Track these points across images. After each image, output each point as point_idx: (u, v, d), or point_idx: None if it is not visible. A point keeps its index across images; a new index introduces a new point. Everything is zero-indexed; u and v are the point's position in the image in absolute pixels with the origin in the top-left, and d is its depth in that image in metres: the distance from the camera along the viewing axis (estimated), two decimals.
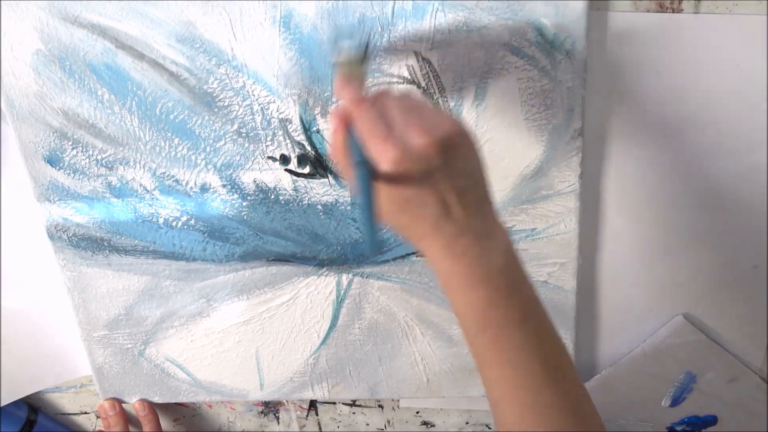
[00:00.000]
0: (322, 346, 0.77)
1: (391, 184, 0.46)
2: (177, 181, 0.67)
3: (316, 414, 0.87)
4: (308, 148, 0.66)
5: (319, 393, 0.80)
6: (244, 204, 0.69)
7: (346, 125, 0.48)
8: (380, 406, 0.86)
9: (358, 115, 0.47)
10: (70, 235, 0.70)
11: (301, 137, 0.65)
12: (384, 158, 0.45)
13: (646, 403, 0.78)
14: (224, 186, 0.68)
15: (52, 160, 0.66)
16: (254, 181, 0.67)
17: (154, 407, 0.81)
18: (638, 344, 0.76)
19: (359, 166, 0.46)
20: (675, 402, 0.76)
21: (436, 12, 0.60)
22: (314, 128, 0.65)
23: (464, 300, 0.50)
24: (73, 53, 0.62)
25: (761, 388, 0.73)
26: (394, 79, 0.63)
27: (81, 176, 0.67)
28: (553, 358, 0.51)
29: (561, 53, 0.62)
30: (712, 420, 0.78)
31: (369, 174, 0.46)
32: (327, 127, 0.65)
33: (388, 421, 0.87)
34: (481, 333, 0.50)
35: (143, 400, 0.80)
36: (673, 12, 0.63)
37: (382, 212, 0.48)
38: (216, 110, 0.64)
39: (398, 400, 0.85)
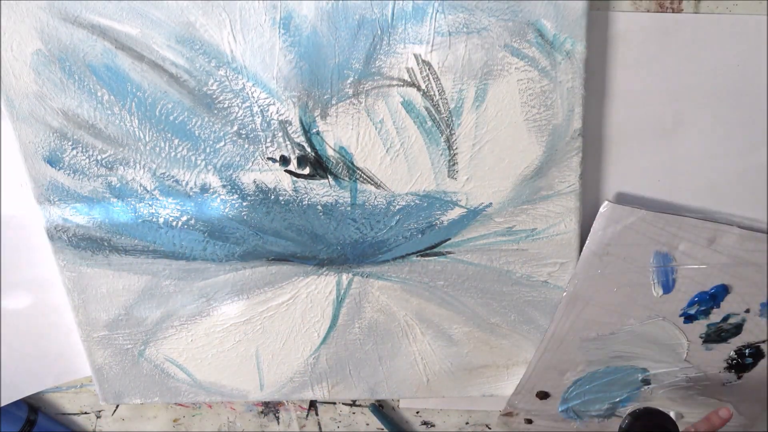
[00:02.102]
0: (322, 345, 0.77)
1: None
2: (177, 181, 0.67)
3: (316, 414, 0.87)
4: (308, 149, 0.66)
5: (319, 393, 0.80)
6: (244, 204, 0.69)
7: None
8: (380, 406, 0.86)
9: None
10: (70, 235, 0.70)
11: (300, 139, 0.65)
12: None
13: (636, 302, 0.69)
14: (224, 186, 0.68)
15: (52, 161, 0.66)
16: (254, 182, 0.67)
17: None
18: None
19: None
20: (667, 287, 0.69)
21: (436, 13, 0.60)
22: (314, 130, 0.65)
23: None
24: (73, 54, 0.62)
25: (748, 236, 0.65)
26: (394, 82, 0.63)
27: (81, 176, 0.67)
28: None
29: (561, 54, 0.62)
30: (722, 289, 0.69)
31: None
32: (327, 129, 0.65)
33: None
34: None
35: None
36: (673, 12, 0.63)
37: None
38: (216, 112, 0.64)
39: (398, 400, 0.85)
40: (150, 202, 0.68)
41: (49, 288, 0.74)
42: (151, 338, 0.76)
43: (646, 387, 0.72)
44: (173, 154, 0.66)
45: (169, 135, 0.65)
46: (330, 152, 0.66)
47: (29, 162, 0.66)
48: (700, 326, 0.68)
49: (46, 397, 0.85)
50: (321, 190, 0.68)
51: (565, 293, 0.67)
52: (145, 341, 0.76)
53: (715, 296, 0.67)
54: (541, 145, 0.65)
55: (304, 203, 0.68)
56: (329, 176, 0.67)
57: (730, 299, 0.66)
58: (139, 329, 0.75)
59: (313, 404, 0.87)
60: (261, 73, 0.63)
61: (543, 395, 0.73)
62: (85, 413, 0.87)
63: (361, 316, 0.75)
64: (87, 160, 0.66)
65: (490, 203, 0.68)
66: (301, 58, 0.62)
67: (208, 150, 0.66)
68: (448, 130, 0.65)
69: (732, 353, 0.69)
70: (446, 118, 0.64)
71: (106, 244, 0.71)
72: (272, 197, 0.68)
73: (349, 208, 0.69)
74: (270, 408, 0.87)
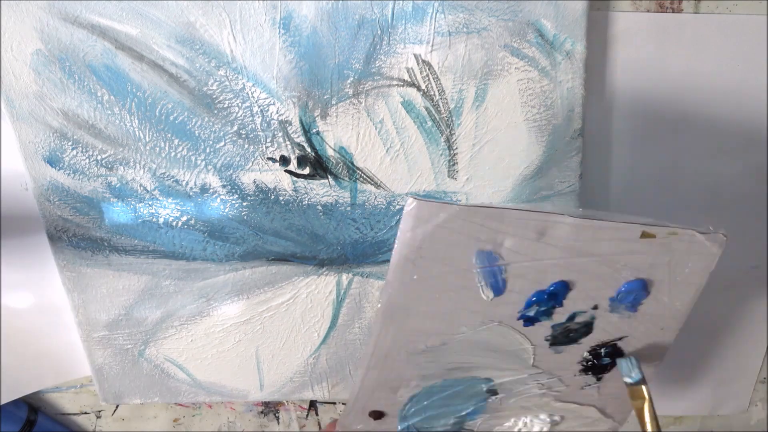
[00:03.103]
0: (322, 345, 0.77)
1: None
2: (177, 181, 0.67)
3: (316, 414, 0.87)
4: (308, 149, 0.66)
5: (319, 393, 0.80)
6: (244, 204, 0.69)
7: None
8: None
9: None
10: (70, 235, 0.70)
11: (300, 139, 0.65)
12: None
13: (465, 308, 0.58)
14: (224, 186, 0.68)
15: (52, 161, 0.66)
16: (254, 182, 0.67)
17: None
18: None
19: None
20: (497, 289, 0.57)
21: (436, 13, 0.60)
22: (314, 130, 0.65)
23: None
24: (73, 54, 0.62)
25: (581, 225, 0.54)
26: (394, 82, 0.63)
27: (81, 176, 0.67)
28: None
29: (561, 54, 0.62)
30: (562, 286, 0.59)
31: None
32: (327, 129, 0.65)
33: None
34: None
35: None
36: (673, 12, 0.63)
37: None
38: (216, 112, 0.64)
39: None
40: (150, 202, 0.69)
41: (49, 288, 0.74)
42: (151, 338, 0.76)
43: (493, 397, 0.64)
44: (173, 154, 0.66)
45: (169, 135, 0.65)
46: (330, 152, 0.66)
47: (29, 162, 0.66)
48: (544, 328, 0.59)
49: (46, 397, 0.85)
50: (321, 190, 0.68)
51: (379, 305, 0.57)
52: (145, 341, 0.76)
53: (555, 294, 0.58)
54: (541, 145, 0.65)
55: (304, 203, 0.68)
56: (329, 176, 0.67)
57: (574, 296, 0.57)
58: (139, 329, 0.75)
59: (313, 404, 0.87)
60: (261, 73, 0.63)
61: (377, 415, 0.64)
62: (85, 413, 0.87)
63: (361, 316, 0.75)
64: (87, 160, 0.66)
65: (491, 203, 0.68)
66: (301, 58, 0.62)
67: (208, 150, 0.66)
68: (448, 130, 0.65)
69: (586, 354, 0.61)
70: (446, 118, 0.64)
71: (106, 244, 0.71)
72: (272, 197, 0.68)
73: (349, 208, 0.69)
74: (270, 408, 0.87)
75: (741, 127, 0.68)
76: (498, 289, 0.55)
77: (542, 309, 0.57)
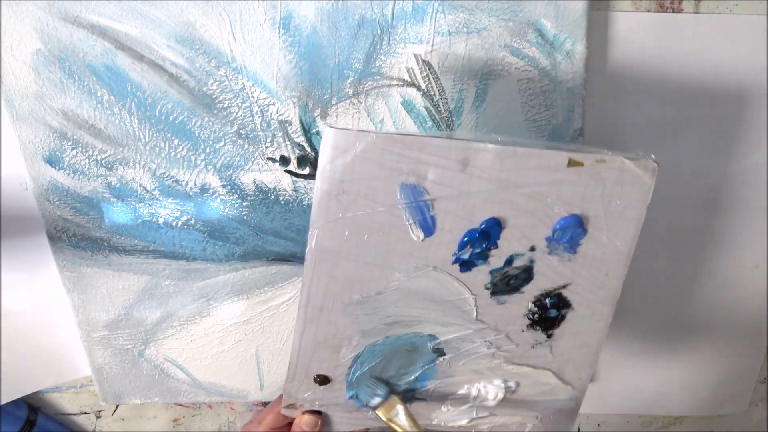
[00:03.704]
0: None
1: None
2: (177, 181, 0.67)
3: None
4: (308, 149, 0.66)
5: None
6: (244, 204, 0.69)
7: None
8: None
9: None
10: (70, 235, 0.70)
11: (300, 139, 0.65)
12: None
13: (396, 250, 0.55)
14: (224, 186, 0.68)
15: (52, 161, 0.66)
16: (254, 182, 0.67)
17: None
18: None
19: None
20: (427, 229, 0.54)
21: (436, 13, 0.60)
22: (314, 130, 0.65)
23: None
24: (73, 54, 0.62)
25: (505, 152, 0.50)
26: (394, 82, 0.63)
27: (81, 176, 0.67)
28: None
29: (561, 54, 0.62)
30: (494, 223, 0.55)
31: None
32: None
33: None
34: None
35: None
36: (673, 12, 0.63)
37: None
38: (216, 112, 0.64)
39: None
40: (150, 202, 0.68)
41: (49, 288, 0.74)
42: (150, 338, 0.76)
43: (441, 359, 0.60)
44: (173, 154, 0.66)
45: (169, 135, 0.65)
46: None
47: (29, 162, 0.66)
48: (483, 274, 0.54)
49: (46, 397, 0.85)
50: None
51: (307, 249, 0.53)
52: (145, 341, 0.76)
53: (487, 233, 0.53)
54: None
55: (304, 203, 0.68)
56: None
57: (507, 235, 0.53)
58: (139, 329, 0.75)
59: None
60: (261, 73, 0.63)
61: (322, 380, 0.60)
62: (85, 413, 0.87)
63: None
64: (87, 160, 0.66)
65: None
66: (301, 58, 0.62)
67: (207, 150, 0.66)
68: (449, 130, 0.65)
69: (530, 305, 0.57)
70: (446, 118, 0.64)
71: (105, 244, 0.71)
72: (272, 197, 0.68)
73: None
74: None
75: (741, 127, 0.68)
76: (428, 227, 0.53)
77: (477, 251, 0.54)
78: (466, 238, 0.53)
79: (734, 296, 0.76)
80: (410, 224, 0.52)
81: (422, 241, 0.53)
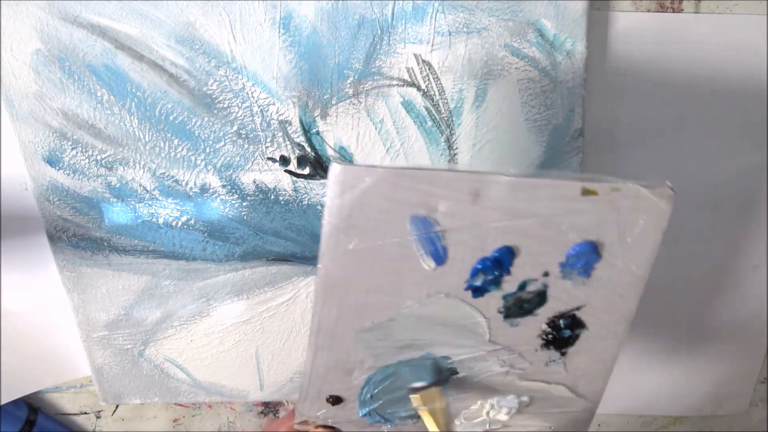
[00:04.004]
0: None
1: None
2: (177, 181, 0.67)
3: None
4: (308, 149, 0.66)
5: None
6: (244, 204, 0.69)
7: None
8: None
9: None
10: (70, 235, 0.70)
11: (300, 139, 0.65)
12: None
13: (407, 280, 0.55)
14: (224, 186, 0.68)
15: (52, 161, 0.66)
16: (254, 182, 0.67)
17: None
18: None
19: None
20: (438, 258, 0.54)
21: (436, 13, 0.60)
22: (314, 130, 0.65)
23: None
24: (73, 53, 0.62)
25: (517, 184, 0.50)
26: (394, 82, 0.63)
27: (81, 176, 0.67)
28: None
29: (561, 54, 0.62)
30: (506, 251, 0.55)
31: None
32: (327, 129, 0.65)
33: None
34: None
35: None
36: (673, 12, 0.63)
37: None
38: (215, 112, 0.64)
39: None
40: (150, 202, 0.68)
41: (49, 288, 0.74)
42: (150, 338, 0.76)
43: (454, 377, 0.60)
44: (173, 154, 0.66)
45: (169, 135, 0.65)
46: (330, 152, 0.66)
47: (29, 162, 0.66)
48: (495, 299, 0.55)
49: (46, 397, 0.85)
50: (321, 190, 0.68)
51: (316, 279, 0.54)
52: (145, 341, 0.76)
53: (500, 261, 0.53)
54: (542, 145, 0.65)
55: (304, 203, 0.68)
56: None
57: (521, 262, 0.53)
58: (139, 329, 0.75)
59: None
60: (261, 73, 0.63)
61: (335, 400, 0.61)
62: (85, 413, 0.87)
63: None
64: (87, 160, 0.66)
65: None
66: (301, 58, 0.62)
67: (207, 150, 0.66)
68: (449, 130, 0.65)
69: (544, 326, 0.57)
70: (446, 118, 0.64)
71: (105, 244, 0.71)
72: (272, 197, 0.68)
73: None
74: (270, 408, 0.87)
75: (741, 127, 0.68)
76: (439, 257, 0.52)
77: (489, 278, 0.53)
78: (478, 267, 0.53)
79: (734, 296, 0.76)
80: (421, 254, 0.52)
81: (434, 269, 0.52)
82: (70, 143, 0.66)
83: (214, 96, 0.64)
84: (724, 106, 0.67)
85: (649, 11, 0.63)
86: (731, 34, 0.64)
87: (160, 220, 0.69)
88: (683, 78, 0.65)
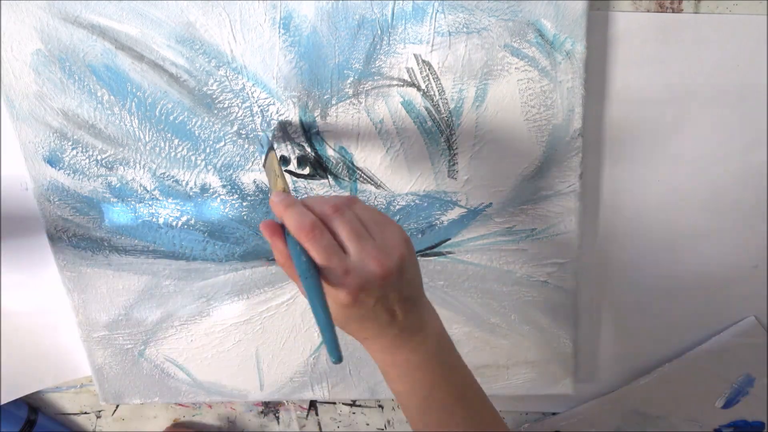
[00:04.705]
0: (322, 345, 0.77)
1: (344, 301, 0.48)
2: (177, 181, 0.67)
3: (316, 414, 0.87)
4: (308, 149, 0.66)
5: (319, 393, 0.80)
6: (244, 204, 0.69)
7: (283, 236, 0.49)
8: (380, 406, 0.86)
9: (310, 239, 0.47)
10: (70, 235, 0.70)
11: (300, 139, 0.65)
12: (343, 290, 0.47)
13: (700, 402, 0.77)
14: (224, 186, 0.68)
15: (52, 161, 0.66)
16: (254, 182, 0.67)
17: None
18: (704, 340, 0.77)
19: (307, 281, 0.47)
20: (728, 404, 0.75)
21: (436, 13, 0.60)
22: (314, 130, 0.65)
23: (405, 386, 0.54)
24: (73, 54, 0.62)
25: None
26: (394, 82, 0.63)
27: (81, 176, 0.67)
28: (492, 425, 0.55)
29: (561, 54, 0.62)
30: (759, 426, 0.77)
31: (318, 288, 0.47)
32: (327, 129, 0.65)
33: (388, 421, 0.87)
34: (426, 414, 0.54)
35: None
36: (673, 12, 0.63)
37: (339, 320, 0.50)
38: (216, 112, 0.64)
39: None
40: (150, 202, 0.69)
41: (49, 288, 0.74)
42: (151, 338, 0.76)
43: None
44: (173, 154, 0.66)
45: (169, 135, 0.65)
46: (330, 152, 0.66)
47: (29, 162, 0.66)
48: None
49: (46, 397, 0.85)
50: (321, 190, 0.68)
51: (661, 367, 0.70)
52: (145, 341, 0.76)
53: (753, 429, 0.73)
54: (541, 145, 0.65)
55: None
56: (329, 176, 0.67)
57: None
58: (139, 329, 0.75)
59: (313, 404, 0.87)
60: (261, 73, 0.63)
61: None
62: (85, 413, 0.87)
63: None
64: (87, 160, 0.66)
65: (490, 203, 0.68)
66: (301, 58, 0.62)
67: (208, 150, 0.66)
68: (448, 130, 0.65)
69: None
70: (446, 118, 0.64)
71: (106, 244, 0.71)
72: None
73: None
74: (270, 408, 0.87)
75: (741, 127, 0.68)
76: None
77: None
78: None
79: (734, 296, 0.76)
80: None
81: None
82: (70, 143, 0.66)
83: (214, 96, 0.64)
84: (724, 106, 0.67)
85: (649, 11, 0.63)
86: (731, 34, 0.64)
87: (161, 220, 0.69)
88: (683, 78, 0.65)
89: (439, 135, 0.65)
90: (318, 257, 0.47)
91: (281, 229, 0.49)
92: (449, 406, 0.53)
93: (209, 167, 0.67)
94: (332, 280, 0.47)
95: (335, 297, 0.47)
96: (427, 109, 0.64)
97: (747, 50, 0.64)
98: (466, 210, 0.69)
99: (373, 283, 0.47)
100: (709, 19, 0.63)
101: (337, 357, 0.45)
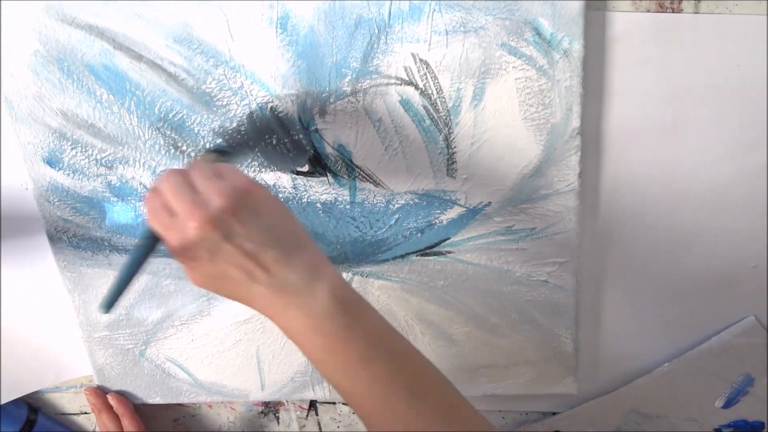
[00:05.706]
0: None
1: (184, 262, 0.50)
2: None
3: (316, 414, 0.87)
4: (307, 148, 0.66)
5: (319, 393, 0.80)
6: None
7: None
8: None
9: (144, 205, 0.51)
10: (70, 235, 0.70)
11: (299, 137, 0.65)
12: (170, 244, 0.49)
13: (699, 402, 0.77)
14: None
15: (52, 161, 0.67)
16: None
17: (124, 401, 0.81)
18: (704, 340, 0.77)
19: (142, 240, 0.52)
20: (728, 404, 0.76)
21: (432, 13, 0.60)
22: (312, 128, 0.65)
23: (305, 349, 0.52)
24: (72, 54, 0.62)
25: None
26: (392, 81, 0.63)
27: (81, 176, 0.67)
28: (414, 380, 0.52)
29: (558, 52, 0.62)
30: (759, 426, 0.77)
31: (147, 248, 0.52)
32: (325, 127, 0.65)
33: None
34: (330, 377, 0.52)
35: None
36: (673, 12, 0.63)
37: (197, 283, 0.52)
38: (214, 109, 0.64)
39: None
40: None
41: (49, 288, 0.75)
42: (151, 338, 0.76)
43: None
44: (173, 151, 0.66)
45: (169, 132, 0.65)
46: (329, 150, 0.66)
47: (29, 163, 0.67)
48: None
49: (46, 397, 0.85)
50: (320, 188, 0.68)
51: (661, 367, 0.71)
52: (146, 341, 0.76)
53: (752, 429, 0.73)
54: (540, 143, 0.65)
55: (303, 201, 0.68)
56: (328, 174, 0.67)
57: None
58: (140, 329, 0.76)
59: (313, 404, 0.87)
60: (259, 72, 0.63)
61: None
62: (85, 413, 0.87)
63: None
64: (86, 160, 0.67)
65: (489, 202, 0.68)
66: (298, 57, 0.62)
67: (207, 147, 0.66)
68: (447, 129, 0.65)
69: None
70: (444, 117, 0.64)
71: (106, 243, 0.71)
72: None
73: (348, 206, 0.69)
74: (270, 408, 0.87)
75: (741, 127, 0.68)
76: None
77: None
78: None
79: (734, 296, 0.76)
80: None
81: None
82: (69, 143, 0.66)
83: (212, 94, 0.64)
84: (724, 106, 0.67)
85: (648, 11, 0.63)
86: (731, 34, 0.64)
87: None
88: (683, 78, 0.65)
89: (437, 134, 0.65)
90: (150, 216, 0.50)
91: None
92: (350, 369, 0.51)
93: None
94: (163, 237, 0.50)
95: (177, 237, 0.49)
96: (425, 107, 0.64)
97: (747, 50, 0.64)
98: (465, 209, 0.69)
99: (191, 239, 0.48)
100: (709, 19, 0.63)
101: (106, 308, 0.51)
